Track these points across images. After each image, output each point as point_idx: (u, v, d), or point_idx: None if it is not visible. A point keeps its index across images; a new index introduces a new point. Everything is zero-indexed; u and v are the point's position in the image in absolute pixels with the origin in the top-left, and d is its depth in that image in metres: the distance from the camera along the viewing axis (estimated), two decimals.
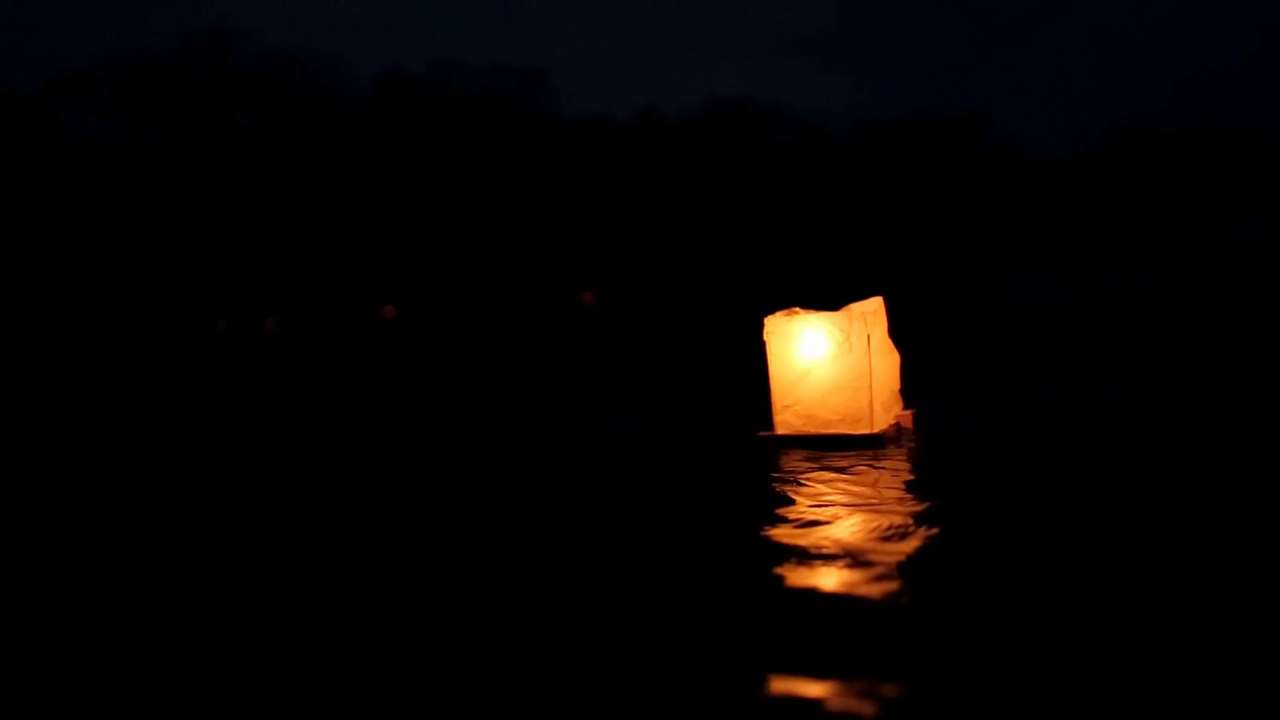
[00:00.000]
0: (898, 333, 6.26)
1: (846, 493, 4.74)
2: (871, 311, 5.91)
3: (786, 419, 6.00)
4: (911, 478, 5.02)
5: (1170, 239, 59.91)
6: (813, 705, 2.48)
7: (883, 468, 5.23)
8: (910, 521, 4.11)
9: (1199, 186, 73.21)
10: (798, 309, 6.02)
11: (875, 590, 3.30)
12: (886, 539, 3.88)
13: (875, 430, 5.78)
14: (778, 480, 5.11)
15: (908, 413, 6.18)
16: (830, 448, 5.77)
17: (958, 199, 77.30)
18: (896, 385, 6.16)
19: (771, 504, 4.62)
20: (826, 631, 2.96)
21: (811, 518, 4.30)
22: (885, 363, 6.00)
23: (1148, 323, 13.74)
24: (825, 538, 3.97)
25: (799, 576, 3.52)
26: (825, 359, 5.88)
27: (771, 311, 6.02)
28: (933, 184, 77.60)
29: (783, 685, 2.59)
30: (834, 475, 5.12)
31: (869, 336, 5.80)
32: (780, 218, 73.82)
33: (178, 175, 51.38)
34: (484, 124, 63.83)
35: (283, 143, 54.05)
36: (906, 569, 3.51)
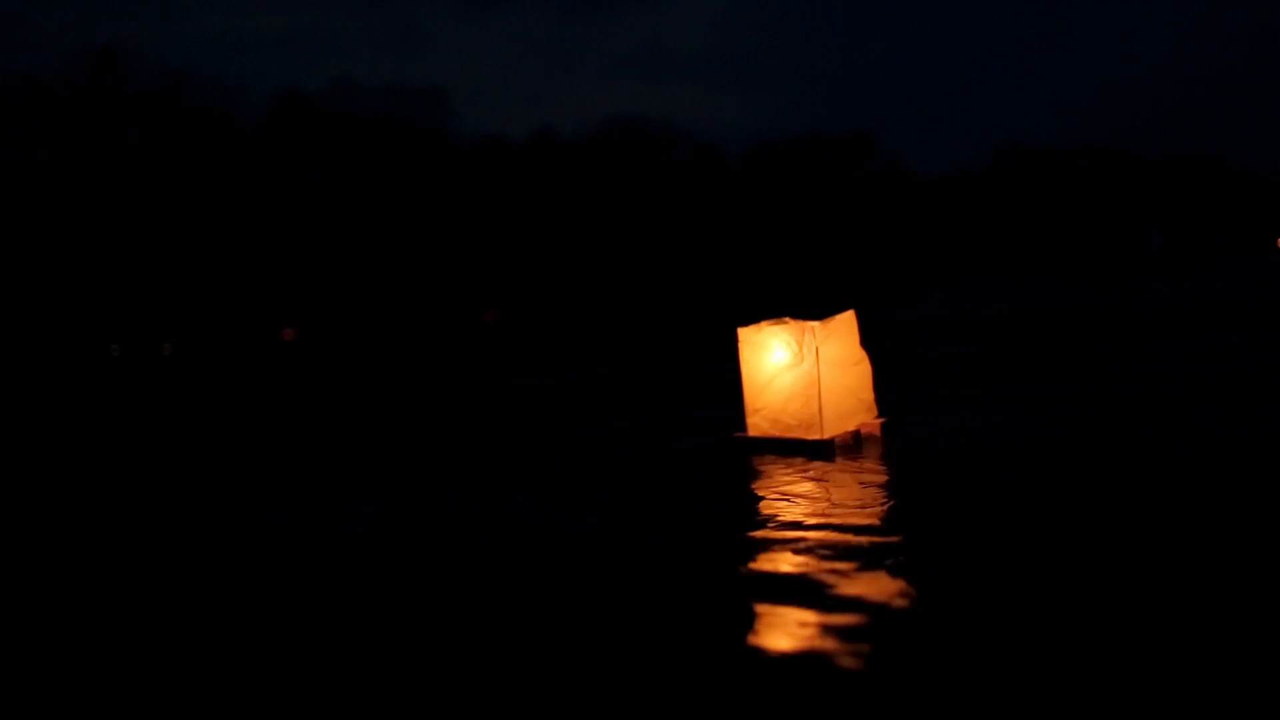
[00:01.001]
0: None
1: (800, 486, 5.14)
2: (828, 325, 6.29)
3: (756, 422, 6.41)
4: (852, 478, 5.42)
5: (1072, 252, 61.82)
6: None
7: (825, 472, 5.63)
8: (841, 506, 4.53)
9: (1082, 201, 75.68)
10: (784, 318, 6.41)
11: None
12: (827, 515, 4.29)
13: (825, 437, 6.19)
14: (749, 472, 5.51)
15: (876, 422, 6.52)
16: (788, 451, 6.17)
17: (850, 216, 78.77)
18: (867, 395, 6.49)
19: (744, 485, 5.02)
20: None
21: (770, 494, 4.70)
22: (850, 373, 6.37)
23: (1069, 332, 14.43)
24: (776, 503, 4.37)
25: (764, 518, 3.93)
26: (785, 367, 6.28)
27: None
28: (825, 202, 78.98)
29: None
30: (794, 473, 5.53)
31: (818, 349, 6.21)
32: (677, 235, 74.47)
33: (68, 197, 50.31)
34: (381, 144, 63.50)
35: (177, 163, 53.24)
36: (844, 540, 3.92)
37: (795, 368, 6.24)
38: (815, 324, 6.26)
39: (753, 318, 6.54)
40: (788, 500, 4.98)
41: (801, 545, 4.12)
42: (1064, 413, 6.97)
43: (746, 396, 6.48)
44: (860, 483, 5.32)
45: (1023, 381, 8.94)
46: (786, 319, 6.44)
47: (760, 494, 5.15)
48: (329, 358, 26.01)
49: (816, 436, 6.19)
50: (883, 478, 5.42)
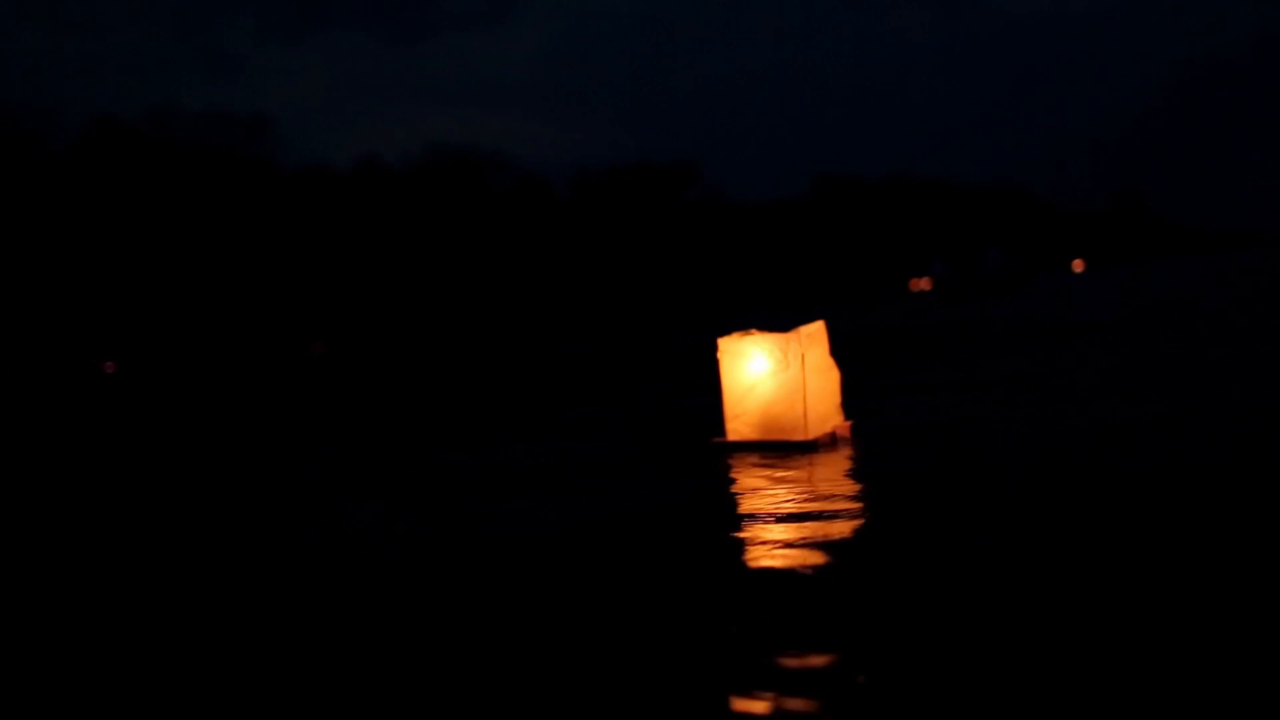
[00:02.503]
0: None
1: (783, 480, 5.50)
2: (809, 334, 6.68)
3: (736, 427, 6.72)
4: (830, 470, 5.80)
5: (904, 278, 64.21)
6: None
7: (816, 465, 6.01)
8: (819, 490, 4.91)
9: (898, 229, 78.79)
10: (754, 330, 6.78)
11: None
12: (808, 504, 4.65)
13: (809, 438, 6.56)
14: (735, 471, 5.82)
15: (846, 423, 6.92)
16: (772, 451, 6.52)
17: (674, 244, 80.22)
18: (837, 399, 6.89)
19: (728, 480, 5.33)
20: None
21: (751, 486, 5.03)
22: (826, 379, 6.75)
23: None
24: (761, 493, 4.71)
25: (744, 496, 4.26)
26: (767, 375, 6.63)
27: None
28: (650, 230, 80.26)
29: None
30: (774, 469, 5.87)
31: (804, 356, 6.58)
32: (505, 263, 74.55)
33: None
34: (202, 171, 61.91)
35: None
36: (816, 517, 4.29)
37: (780, 374, 6.59)
38: (800, 331, 6.64)
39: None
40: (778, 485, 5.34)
41: (788, 526, 4.47)
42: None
43: (726, 404, 6.79)
44: (841, 472, 5.71)
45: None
46: (753, 330, 6.81)
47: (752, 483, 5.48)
48: (150, 390, 25.43)
49: (801, 437, 6.55)
50: (857, 467, 5.82)
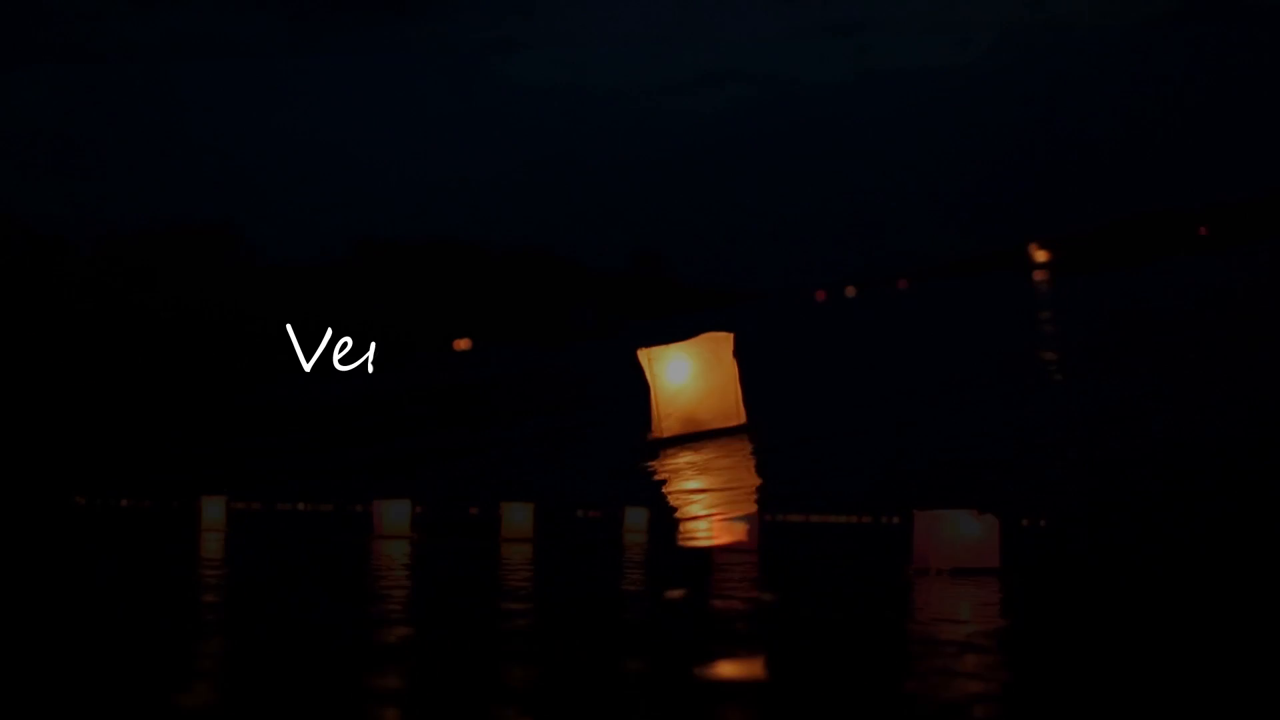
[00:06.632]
0: None
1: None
2: (727, 339, 7.90)
3: (669, 425, 7.81)
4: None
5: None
6: None
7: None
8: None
9: (437, 291, 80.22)
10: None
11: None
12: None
13: (744, 421, 7.81)
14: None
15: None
16: (710, 438, 7.68)
17: (210, 306, 77.20)
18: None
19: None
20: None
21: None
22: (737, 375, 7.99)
23: None
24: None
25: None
26: (693, 376, 7.78)
27: None
28: (183, 292, 76.83)
29: None
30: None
31: (731, 353, 7.83)
32: (17, 330, 68.68)
33: None
34: None
35: None
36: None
37: (711, 372, 7.77)
38: (720, 337, 7.85)
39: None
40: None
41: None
42: None
43: (658, 404, 7.85)
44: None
45: None
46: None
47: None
48: None
49: (736, 423, 7.77)
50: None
